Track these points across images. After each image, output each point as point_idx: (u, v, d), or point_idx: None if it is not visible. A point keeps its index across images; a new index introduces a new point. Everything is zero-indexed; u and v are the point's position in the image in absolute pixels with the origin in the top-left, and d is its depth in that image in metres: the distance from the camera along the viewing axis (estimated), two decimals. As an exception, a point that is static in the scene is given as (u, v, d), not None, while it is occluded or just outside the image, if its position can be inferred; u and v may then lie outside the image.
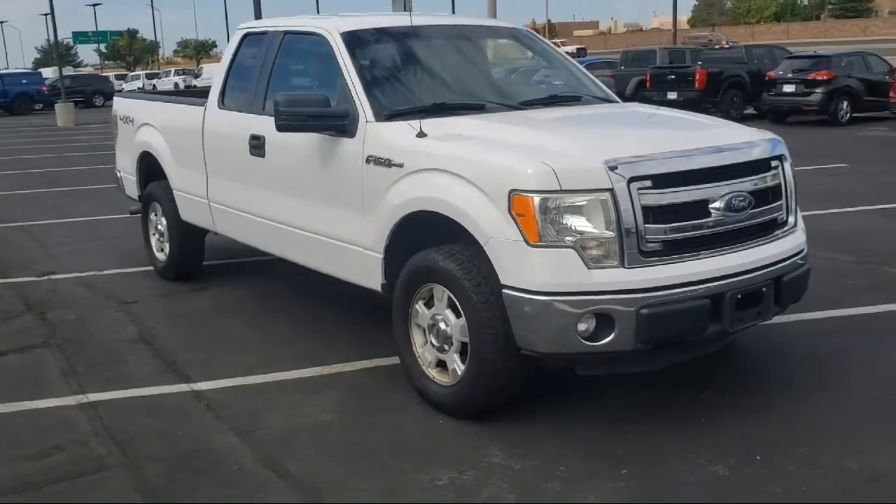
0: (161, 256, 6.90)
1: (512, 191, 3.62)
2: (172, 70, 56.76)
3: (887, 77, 18.99)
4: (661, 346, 3.72)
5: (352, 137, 4.48)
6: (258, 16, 18.81)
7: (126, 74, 59.84)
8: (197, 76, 50.28)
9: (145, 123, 6.77)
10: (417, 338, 4.22)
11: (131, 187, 7.27)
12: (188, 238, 6.59)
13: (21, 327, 5.78)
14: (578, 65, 5.58)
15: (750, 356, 4.77)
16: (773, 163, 4.14)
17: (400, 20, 5.16)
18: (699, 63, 21.67)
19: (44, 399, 4.49)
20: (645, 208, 3.62)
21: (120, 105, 7.42)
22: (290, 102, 4.49)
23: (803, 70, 19.22)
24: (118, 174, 7.55)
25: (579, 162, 3.65)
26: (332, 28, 4.89)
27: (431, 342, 4.10)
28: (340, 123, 4.50)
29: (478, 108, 4.60)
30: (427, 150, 4.07)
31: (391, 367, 4.70)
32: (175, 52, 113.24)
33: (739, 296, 3.78)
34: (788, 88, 19.11)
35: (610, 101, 5.21)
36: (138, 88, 45.75)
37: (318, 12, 30.05)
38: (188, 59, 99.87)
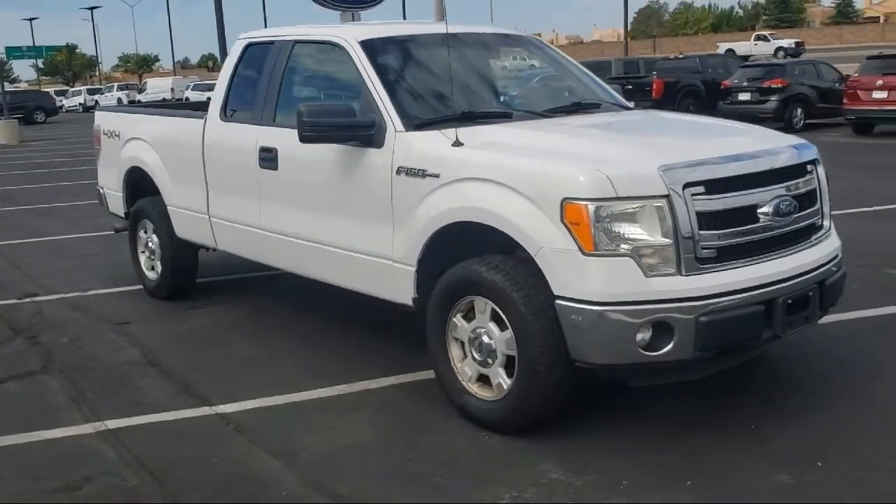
0: (152, 275, 6.66)
1: (565, 199, 3.54)
2: (115, 85, 55.60)
3: (838, 84, 19.48)
4: (718, 353, 3.67)
5: (379, 148, 4.36)
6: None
7: (66, 90, 58.43)
8: (141, 91, 49.36)
9: (134, 138, 6.53)
10: (455, 352, 4.10)
11: (117, 204, 7.01)
12: (182, 255, 6.37)
13: (14, 352, 5.50)
14: (588, 72, 5.54)
15: (777, 359, 4.76)
16: (809, 167, 4.14)
17: (413, 29, 5.06)
18: (655, 73, 21.99)
19: (59, 428, 4.25)
20: (699, 214, 3.57)
21: (103, 119, 7.15)
22: (315, 113, 4.35)
23: (758, 78, 19.64)
24: (101, 191, 7.28)
25: (634, 168, 3.59)
26: (349, 37, 4.76)
27: (473, 356, 3.99)
28: (366, 134, 4.38)
29: (505, 116, 4.52)
30: (466, 159, 3.97)
31: (418, 383, 4.59)
32: (116, 66, 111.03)
33: (790, 301, 3.76)
34: (744, 96, 19.50)
35: (626, 107, 5.18)
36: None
37: (266, 25, 29.67)
38: (130, 73, 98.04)
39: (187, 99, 43.37)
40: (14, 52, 69.03)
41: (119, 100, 50.77)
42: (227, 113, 5.56)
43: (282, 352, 5.25)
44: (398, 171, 4.25)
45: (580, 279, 3.53)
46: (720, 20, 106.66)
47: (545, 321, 3.63)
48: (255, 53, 5.52)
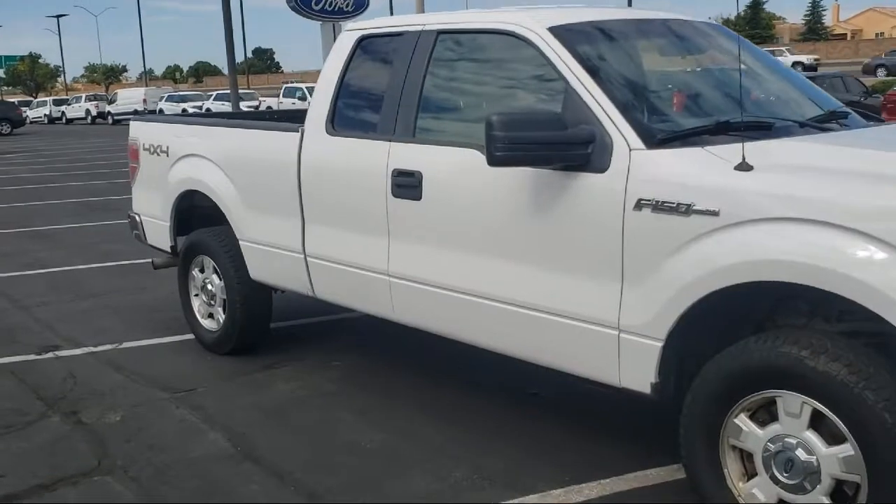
0: (209, 324, 5.34)
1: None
2: (84, 96, 53.51)
3: (864, 98, 18.67)
4: None
5: (601, 172, 3.14)
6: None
7: (30, 101, 56.17)
8: (111, 102, 47.39)
9: (191, 154, 5.22)
10: (733, 466, 2.88)
11: (160, 235, 5.68)
12: (255, 301, 5.07)
13: (54, 438, 4.16)
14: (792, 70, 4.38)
15: None
16: None
17: (599, 14, 3.85)
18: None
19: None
20: None
21: (143, 131, 5.82)
22: (512, 124, 3.11)
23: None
24: (136, 218, 5.94)
25: None
26: (532, 24, 3.54)
27: (773, 476, 2.77)
28: (582, 153, 3.16)
29: (764, 128, 3.31)
30: (769, 189, 2.75)
31: (634, 492, 3.37)
32: (82, 76, 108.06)
33: None
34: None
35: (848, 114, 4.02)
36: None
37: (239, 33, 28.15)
38: (96, 84, 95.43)
39: (161, 111, 41.70)
40: (-29, 61, 66.65)
41: (87, 111, 48.88)
42: (336, 125, 4.30)
43: (420, 439, 3.97)
44: (638, 206, 3.02)
45: None
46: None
47: (918, 437, 2.43)
48: (374, 49, 4.27)
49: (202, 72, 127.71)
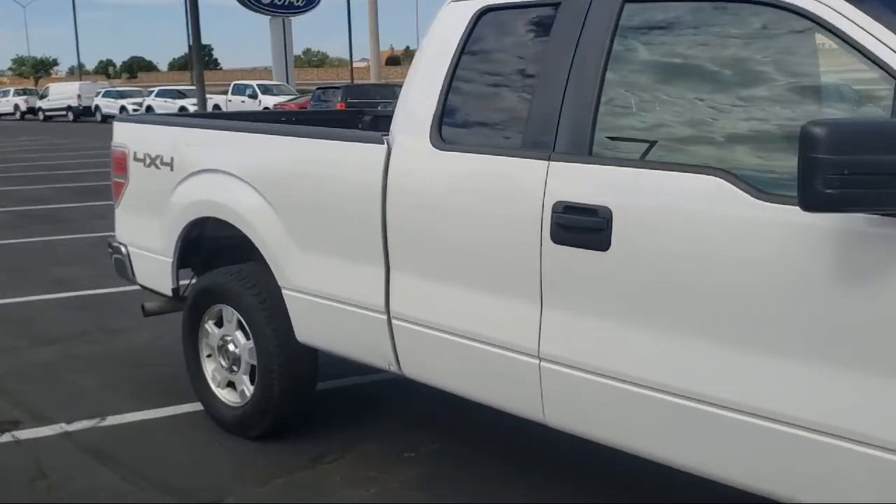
0: (230, 396, 3.97)
1: None
2: (11, 90, 50.48)
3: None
4: None
5: None
6: None
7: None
8: (42, 97, 44.59)
9: (210, 169, 3.85)
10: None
11: (156, 274, 4.27)
12: (298, 369, 3.73)
13: None
14: None
15: None
16: None
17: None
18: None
19: None
20: None
21: (135, 135, 4.40)
22: (850, 141, 1.87)
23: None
24: (122, 250, 4.50)
25: None
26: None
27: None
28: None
29: None
30: None
31: None
32: (9, 69, 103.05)
33: None
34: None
35: None
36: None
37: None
38: (24, 77, 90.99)
39: (97, 108, 39.29)
40: None
41: (16, 106, 45.96)
42: (447, 134, 3.00)
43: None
44: None
45: None
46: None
47: None
48: (507, 24, 2.96)
49: (136, 67, 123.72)
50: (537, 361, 2.73)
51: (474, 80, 3.00)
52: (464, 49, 3.01)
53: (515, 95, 2.86)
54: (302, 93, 35.38)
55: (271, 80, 37.57)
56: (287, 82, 36.66)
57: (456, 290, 2.95)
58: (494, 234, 2.80)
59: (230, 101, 34.01)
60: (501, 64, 2.94)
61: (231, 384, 3.97)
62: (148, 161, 4.22)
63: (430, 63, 3.10)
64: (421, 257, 3.06)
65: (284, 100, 32.12)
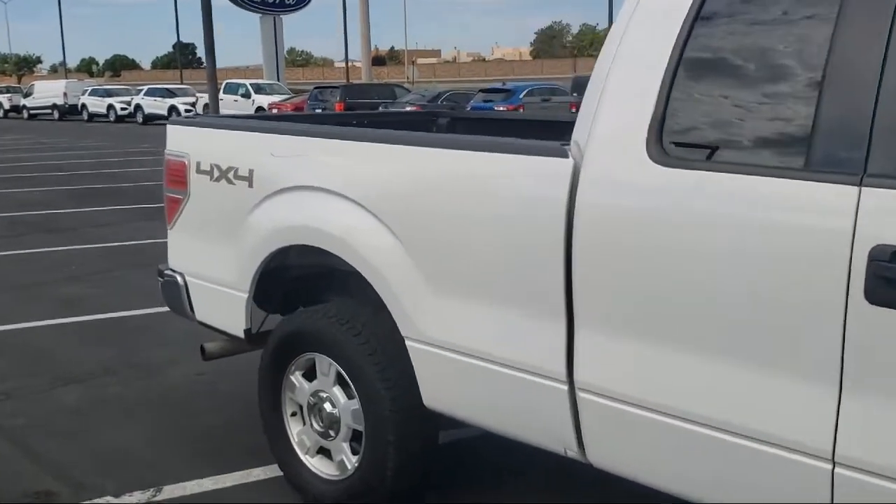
0: (325, 467, 3.15)
1: None
2: (-7, 88, 49.13)
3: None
4: None
5: None
6: None
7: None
8: (27, 95, 43.28)
9: (305, 186, 3.05)
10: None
11: (225, 311, 3.44)
12: (419, 440, 2.94)
13: None
14: None
15: None
16: None
17: None
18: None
19: None
20: None
21: (198, 141, 3.58)
22: None
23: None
24: (178, 280, 3.68)
25: None
26: None
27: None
28: None
29: None
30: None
31: None
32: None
33: None
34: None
35: None
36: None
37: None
38: (6, 75, 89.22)
39: (83, 106, 38.02)
40: None
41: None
42: (669, 146, 2.21)
43: None
44: None
45: None
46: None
47: None
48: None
49: (119, 65, 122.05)
50: (827, 468, 1.96)
51: (710, 74, 2.21)
52: (693, 25, 2.22)
53: (789, 89, 2.08)
54: (295, 92, 34.44)
55: (260, 78, 36.64)
56: (278, 81, 35.76)
57: (684, 358, 2.16)
58: (753, 284, 2.02)
59: (222, 99, 32.80)
60: (758, 51, 2.14)
61: (325, 451, 3.16)
62: (216, 174, 3.41)
63: (634, 50, 2.31)
64: (624, 310, 2.28)
65: (279, 99, 31.17)
